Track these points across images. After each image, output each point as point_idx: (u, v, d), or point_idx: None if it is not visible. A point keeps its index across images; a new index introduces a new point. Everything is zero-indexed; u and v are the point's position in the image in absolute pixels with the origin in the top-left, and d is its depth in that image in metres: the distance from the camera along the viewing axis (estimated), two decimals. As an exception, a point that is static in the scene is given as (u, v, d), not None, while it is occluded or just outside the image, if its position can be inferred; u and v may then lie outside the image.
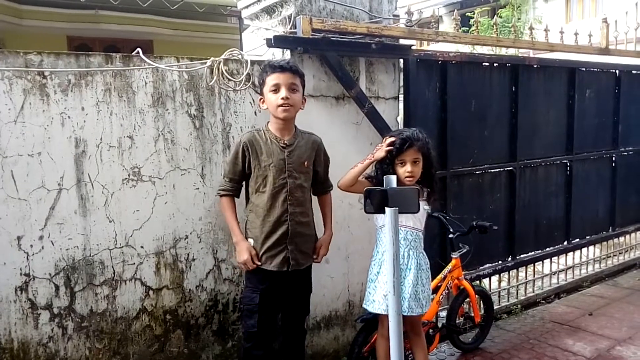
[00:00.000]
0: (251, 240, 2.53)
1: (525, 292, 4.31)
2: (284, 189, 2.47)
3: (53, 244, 2.39)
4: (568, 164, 4.46)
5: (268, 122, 2.56)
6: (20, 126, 2.29)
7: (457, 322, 3.33)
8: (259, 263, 2.49)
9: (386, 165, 2.64)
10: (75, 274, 2.45)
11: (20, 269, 2.34)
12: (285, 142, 2.50)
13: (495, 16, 4.81)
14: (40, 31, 7.16)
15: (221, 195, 2.56)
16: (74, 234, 2.44)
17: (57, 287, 2.42)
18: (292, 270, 2.54)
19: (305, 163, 2.54)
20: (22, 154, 2.30)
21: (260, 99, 2.54)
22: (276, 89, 2.42)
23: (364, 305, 2.75)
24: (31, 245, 2.35)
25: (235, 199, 2.60)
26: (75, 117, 2.40)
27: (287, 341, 2.72)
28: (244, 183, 2.60)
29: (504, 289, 4.18)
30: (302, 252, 2.56)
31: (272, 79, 2.43)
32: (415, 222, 2.68)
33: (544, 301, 4.36)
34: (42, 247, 2.37)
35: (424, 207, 2.71)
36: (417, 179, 2.63)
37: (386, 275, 2.45)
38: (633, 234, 5.22)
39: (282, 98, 2.40)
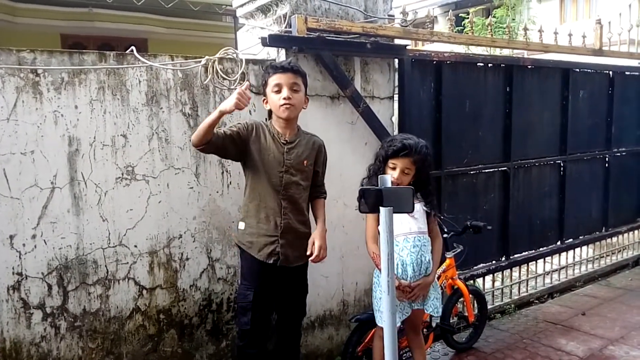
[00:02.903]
0: (242, 224, 2.54)
1: (519, 291, 4.33)
2: (279, 182, 2.48)
3: (46, 243, 2.38)
4: (562, 164, 4.48)
5: (271, 121, 2.57)
6: (13, 124, 2.27)
7: (451, 321, 3.34)
8: (248, 83, 2.41)
9: (379, 163, 2.66)
10: (68, 273, 2.44)
11: (13, 268, 2.32)
12: (286, 139, 2.52)
13: (490, 16, 4.82)
14: (34, 29, 7.10)
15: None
16: (67, 233, 2.42)
17: (49, 287, 2.41)
18: (285, 268, 2.52)
19: (305, 162, 2.54)
20: (14, 152, 2.28)
21: (264, 99, 2.56)
22: (278, 89, 2.44)
23: (382, 324, 2.67)
24: (24, 244, 2.33)
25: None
26: (68, 115, 2.38)
27: (282, 342, 2.70)
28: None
29: (498, 289, 4.20)
30: (294, 249, 2.53)
31: (274, 79, 2.45)
32: (420, 227, 2.68)
33: (537, 301, 4.37)
34: (35, 246, 2.36)
35: (423, 207, 2.71)
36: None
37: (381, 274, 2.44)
38: (626, 234, 5.25)
39: (284, 98, 2.42)
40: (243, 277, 2.59)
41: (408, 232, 2.65)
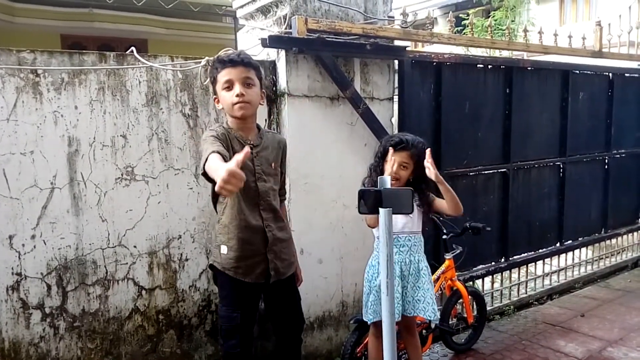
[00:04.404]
0: (224, 248, 2.28)
1: (518, 293, 4.32)
2: (255, 193, 2.27)
3: (45, 243, 2.38)
4: (561, 166, 4.48)
5: (227, 121, 2.32)
6: (13, 124, 2.27)
7: (450, 323, 3.34)
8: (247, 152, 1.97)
9: (377, 159, 2.67)
10: (67, 274, 2.44)
11: (12, 268, 2.33)
12: (252, 142, 2.27)
13: (490, 18, 4.83)
14: (33, 29, 7.10)
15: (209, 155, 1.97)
16: (67, 233, 2.42)
17: (49, 287, 2.41)
18: (276, 282, 2.34)
19: (273, 164, 2.35)
20: (14, 152, 2.28)
21: (215, 98, 2.31)
22: (229, 85, 2.19)
23: (366, 319, 2.69)
24: (23, 245, 2.34)
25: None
26: (68, 116, 2.38)
27: (283, 350, 2.56)
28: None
29: (497, 290, 4.19)
30: (282, 259, 2.36)
31: (223, 75, 2.19)
32: (413, 226, 2.69)
33: (536, 302, 4.37)
34: (34, 247, 2.36)
35: (418, 207, 2.71)
36: (403, 184, 2.62)
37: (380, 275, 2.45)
38: (625, 236, 5.25)
39: (237, 95, 2.15)
40: (225, 299, 2.33)
41: (399, 231, 2.66)
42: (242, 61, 2.19)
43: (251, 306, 2.35)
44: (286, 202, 2.73)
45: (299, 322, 2.56)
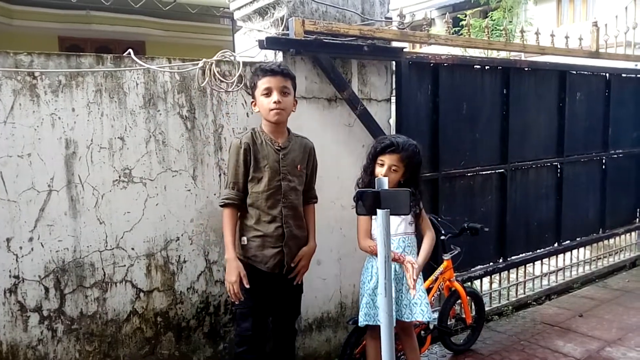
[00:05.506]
0: (244, 239, 2.50)
1: (516, 293, 4.33)
2: (278, 191, 2.47)
3: (43, 246, 2.38)
4: (559, 166, 4.49)
5: (261, 124, 2.55)
6: (10, 127, 2.27)
7: (448, 323, 3.34)
8: (248, 286, 2.42)
9: (369, 160, 2.68)
10: (65, 276, 2.44)
11: (10, 271, 2.32)
12: (280, 144, 2.50)
13: (487, 19, 4.84)
14: (31, 31, 7.09)
15: (224, 205, 2.47)
16: (64, 236, 2.42)
17: (46, 290, 2.40)
18: (288, 273, 2.55)
19: (299, 167, 2.55)
20: (11, 155, 2.28)
21: (252, 101, 2.55)
22: (268, 92, 2.42)
23: (365, 322, 2.67)
24: (20, 247, 2.33)
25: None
26: (65, 118, 2.38)
27: (278, 343, 2.71)
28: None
29: (495, 291, 4.20)
30: (296, 255, 2.57)
31: (263, 83, 2.43)
32: (406, 228, 2.69)
33: (534, 302, 4.38)
34: (32, 249, 2.35)
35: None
36: (393, 187, 2.61)
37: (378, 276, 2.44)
38: (623, 236, 5.26)
39: (274, 102, 2.41)
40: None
41: (393, 233, 2.65)
42: (281, 72, 2.45)
43: (265, 293, 2.53)
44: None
45: (295, 312, 2.74)
